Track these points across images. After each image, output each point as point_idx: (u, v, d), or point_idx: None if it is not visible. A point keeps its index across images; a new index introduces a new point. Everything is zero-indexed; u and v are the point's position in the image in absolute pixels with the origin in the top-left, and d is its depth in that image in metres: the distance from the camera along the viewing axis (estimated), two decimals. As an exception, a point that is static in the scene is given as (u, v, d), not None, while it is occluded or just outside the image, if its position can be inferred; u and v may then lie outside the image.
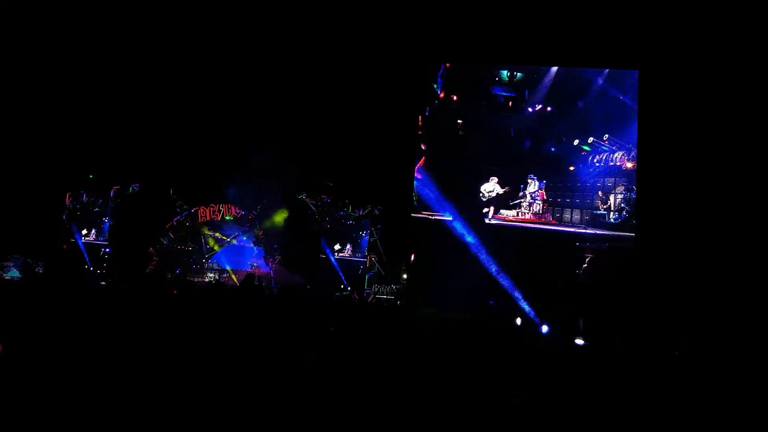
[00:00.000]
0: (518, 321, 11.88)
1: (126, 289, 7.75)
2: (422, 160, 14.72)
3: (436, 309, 12.59)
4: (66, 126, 14.50)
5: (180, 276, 14.63)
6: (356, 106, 13.84)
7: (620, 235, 14.59)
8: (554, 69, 14.32)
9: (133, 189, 15.58)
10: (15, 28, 13.04)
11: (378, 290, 14.27)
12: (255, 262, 15.22)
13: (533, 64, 14.22)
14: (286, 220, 15.08)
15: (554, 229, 14.89)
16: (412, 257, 14.61)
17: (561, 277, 13.28)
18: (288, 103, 14.25)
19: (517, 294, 13.71)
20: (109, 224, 15.80)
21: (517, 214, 15.26)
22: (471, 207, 14.71)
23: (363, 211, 15.17)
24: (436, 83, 14.78)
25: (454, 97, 14.83)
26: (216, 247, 15.51)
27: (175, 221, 15.42)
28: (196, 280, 14.50)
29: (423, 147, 14.73)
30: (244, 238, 15.53)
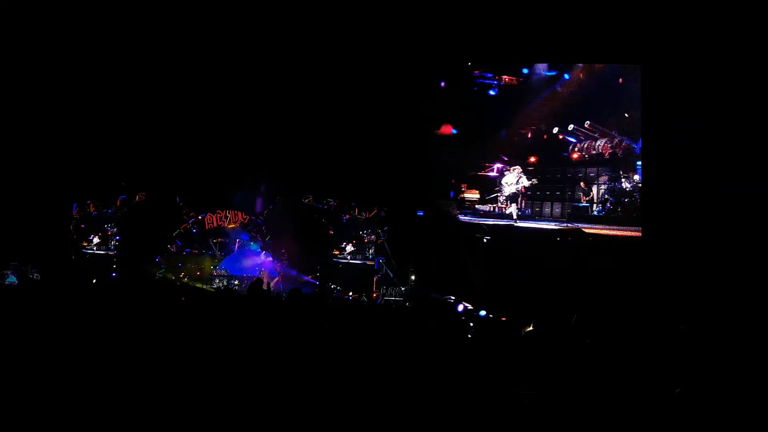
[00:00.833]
0: (460, 307, 11.93)
1: (134, 295, 7.75)
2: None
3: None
4: (72, 135, 14.56)
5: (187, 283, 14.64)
6: (361, 107, 13.85)
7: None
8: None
9: (139, 197, 15.62)
10: (20, 34, 13.11)
11: (386, 292, 14.23)
12: (263, 268, 15.22)
13: (535, 62, 14.03)
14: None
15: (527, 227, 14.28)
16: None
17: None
18: (294, 107, 14.26)
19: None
20: (117, 233, 15.85)
21: (494, 209, 14.65)
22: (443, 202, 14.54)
23: (369, 213, 15.15)
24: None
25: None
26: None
27: (183, 228, 15.45)
28: (204, 287, 14.51)
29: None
30: (252, 244, 15.53)
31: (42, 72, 13.84)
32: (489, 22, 12.54)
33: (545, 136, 14.50)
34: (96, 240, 16.13)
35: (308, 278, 14.76)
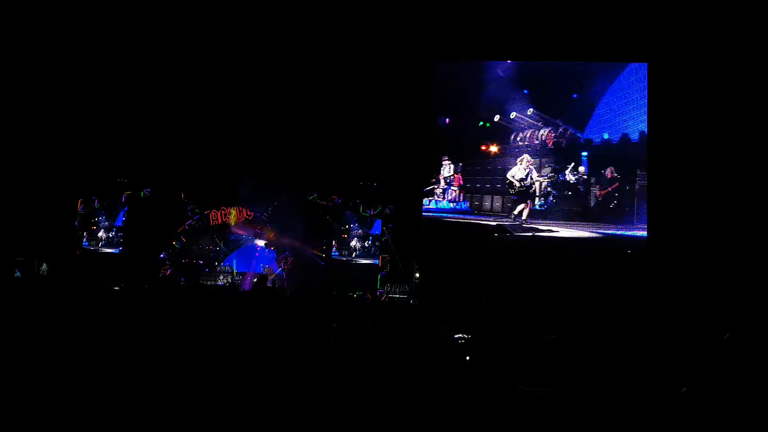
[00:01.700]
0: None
1: (139, 293, 7.79)
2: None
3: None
4: (76, 132, 14.60)
5: (191, 280, 14.68)
6: (365, 105, 13.82)
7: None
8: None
9: (144, 194, 15.65)
10: (21, 32, 13.14)
11: (390, 290, 14.23)
12: (267, 264, 15.25)
13: (537, 60, 13.59)
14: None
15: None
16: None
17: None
18: (298, 104, 14.24)
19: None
20: (122, 229, 15.92)
21: (429, 202, 13.86)
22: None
23: (374, 211, 15.15)
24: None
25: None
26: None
27: (187, 225, 15.48)
28: (209, 283, 14.56)
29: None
30: (256, 240, 15.56)
31: (46, 68, 13.88)
32: (491, 17, 12.47)
33: (487, 125, 13.72)
34: (102, 234, 16.21)
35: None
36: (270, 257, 15.39)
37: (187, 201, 15.51)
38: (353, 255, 15.17)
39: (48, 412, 2.58)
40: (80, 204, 16.23)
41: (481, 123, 13.83)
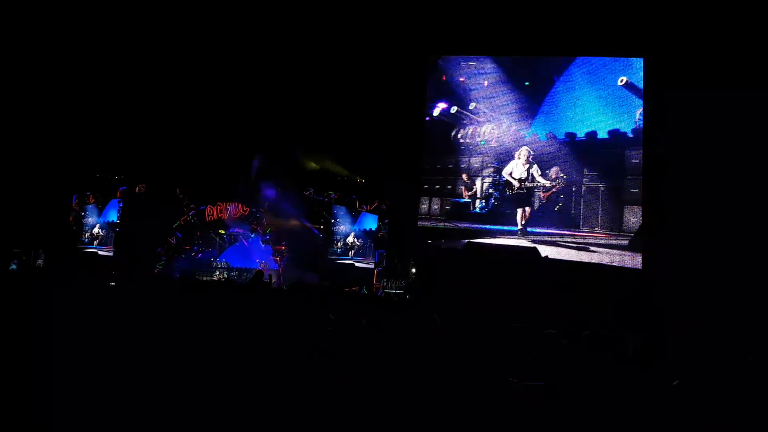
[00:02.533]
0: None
1: (135, 288, 7.76)
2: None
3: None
4: (71, 127, 14.54)
5: (186, 276, 14.65)
6: (361, 100, 13.79)
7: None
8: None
9: (139, 189, 15.60)
10: (18, 28, 13.06)
11: (387, 285, 14.23)
12: (263, 260, 15.23)
13: (535, 55, 13.26)
14: None
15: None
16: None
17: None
18: (294, 99, 14.21)
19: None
20: (115, 225, 15.88)
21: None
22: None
23: (370, 206, 15.14)
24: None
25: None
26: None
27: (183, 220, 15.44)
28: (204, 278, 14.53)
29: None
30: (252, 236, 15.53)
31: (44, 70, 13.81)
32: (489, 11, 12.40)
33: (427, 119, 12.97)
34: (97, 230, 16.16)
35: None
36: (266, 252, 15.37)
37: (182, 197, 15.47)
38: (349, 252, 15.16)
39: (47, 412, 2.57)
40: (75, 200, 16.20)
41: (428, 118, 13.19)
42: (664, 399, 2.37)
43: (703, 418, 2.09)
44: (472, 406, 1.64)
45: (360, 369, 2.67)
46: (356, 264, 14.96)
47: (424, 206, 13.12)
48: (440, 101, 13.31)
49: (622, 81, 12.17)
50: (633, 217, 11.56)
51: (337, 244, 15.12)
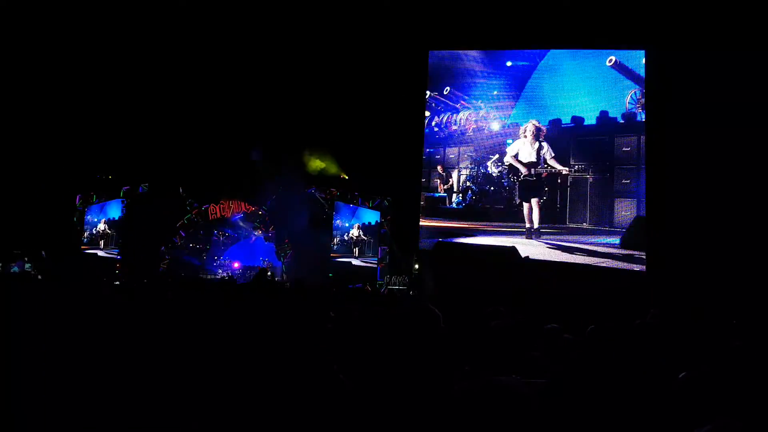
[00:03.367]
0: None
1: (138, 288, 7.77)
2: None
3: None
4: (73, 127, 14.55)
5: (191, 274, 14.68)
6: (363, 97, 13.77)
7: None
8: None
9: (143, 188, 15.62)
10: (21, 29, 13.07)
11: (390, 281, 14.24)
12: (266, 258, 15.24)
13: (536, 48, 12.86)
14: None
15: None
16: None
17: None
18: (296, 97, 14.20)
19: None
20: (116, 224, 15.91)
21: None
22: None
23: (372, 202, 15.13)
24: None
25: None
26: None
27: (186, 219, 15.46)
28: (208, 277, 14.55)
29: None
30: (255, 234, 15.54)
31: (47, 71, 13.82)
32: (490, 5, 12.32)
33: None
34: (102, 226, 16.19)
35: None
36: (269, 250, 15.39)
37: (185, 195, 15.48)
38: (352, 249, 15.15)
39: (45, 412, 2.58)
40: (78, 199, 16.22)
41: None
42: (668, 393, 2.37)
43: (706, 413, 2.08)
44: (471, 405, 1.64)
45: (363, 364, 2.68)
46: (358, 263, 14.89)
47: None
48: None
49: (611, 61, 11.26)
50: (624, 210, 10.72)
51: (335, 239, 15.05)
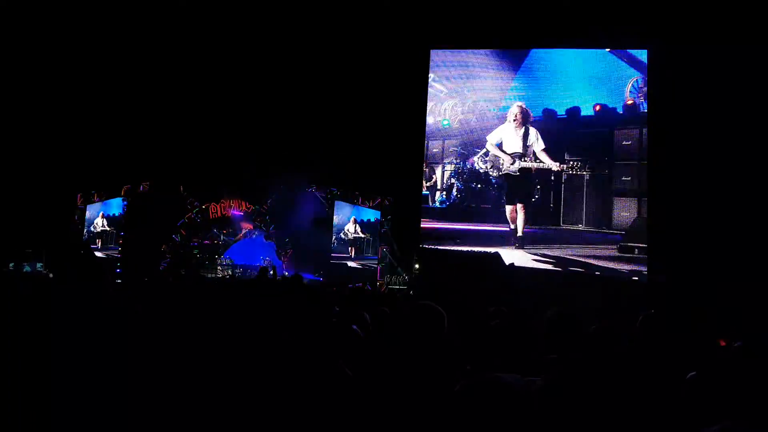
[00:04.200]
0: None
1: (140, 286, 7.78)
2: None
3: None
4: (74, 126, 14.55)
5: (192, 272, 14.68)
6: (363, 96, 13.76)
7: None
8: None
9: (143, 187, 15.62)
10: (21, 28, 13.07)
11: (390, 280, 14.23)
12: (267, 257, 15.24)
13: (536, 47, 12.97)
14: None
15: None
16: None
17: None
18: (296, 96, 14.19)
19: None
20: (117, 221, 15.92)
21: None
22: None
23: (372, 202, 15.13)
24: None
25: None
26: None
27: (187, 218, 15.46)
28: (209, 275, 14.55)
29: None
30: (256, 233, 15.54)
31: (44, 62, 13.81)
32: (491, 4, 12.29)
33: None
34: (101, 222, 16.19)
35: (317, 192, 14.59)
36: (270, 249, 15.39)
37: (186, 194, 15.49)
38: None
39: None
40: (79, 198, 16.23)
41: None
42: (671, 394, 2.37)
43: (709, 414, 2.09)
44: (472, 402, 1.64)
45: (368, 360, 2.68)
46: (356, 264, 14.79)
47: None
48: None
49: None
50: (623, 211, 9.92)
51: (334, 239, 15.05)
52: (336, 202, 15.26)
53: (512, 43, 13.00)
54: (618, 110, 10.23)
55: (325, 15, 12.95)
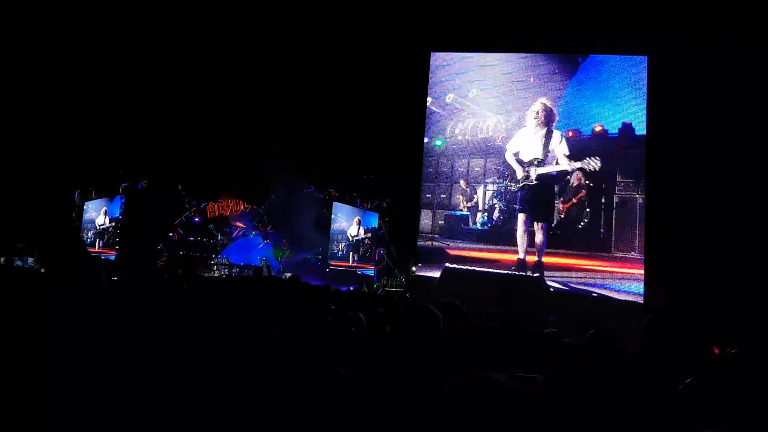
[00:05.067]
0: None
1: (137, 284, 7.75)
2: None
3: None
4: (74, 124, 14.53)
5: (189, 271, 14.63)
6: (363, 98, 13.75)
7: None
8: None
9: (142, 185, 15.60)
10: (21, 27, 13.06)
11: (387, 282, 14.21)
12: (264, 257, 15.22)
13: (537, 53, 13.07)
14: None
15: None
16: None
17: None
18: (296, 98, 14.18)
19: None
20: (116, 220, 15.89)
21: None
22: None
23: (371, 204, 15.11)
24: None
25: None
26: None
27: (184, 217, 15.44)
28: (206, 274, 14.52)
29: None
30: (253, 233, 15.52)
31: (44, 61, 13.79)
32: (491, 9, 12.28)
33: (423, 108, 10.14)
34: (100, 219, 16.17)
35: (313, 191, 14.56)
36: (266, 249, 15.38)
37: (184, 193, 15.47)
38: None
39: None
40: (77, 195, 16.21)
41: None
42: (667, 399, 2.35)
43: (706, 418, 2.06)
44: (461, 402, 1.62)
45: (363, 358, 2.67)
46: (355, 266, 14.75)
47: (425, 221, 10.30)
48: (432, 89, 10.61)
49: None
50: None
51: (338, 246, 14.98)
52: (334, 204, 15.25)
53: (511, 46, 13.08)
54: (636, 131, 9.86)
55: (325, 15, 12.95)
